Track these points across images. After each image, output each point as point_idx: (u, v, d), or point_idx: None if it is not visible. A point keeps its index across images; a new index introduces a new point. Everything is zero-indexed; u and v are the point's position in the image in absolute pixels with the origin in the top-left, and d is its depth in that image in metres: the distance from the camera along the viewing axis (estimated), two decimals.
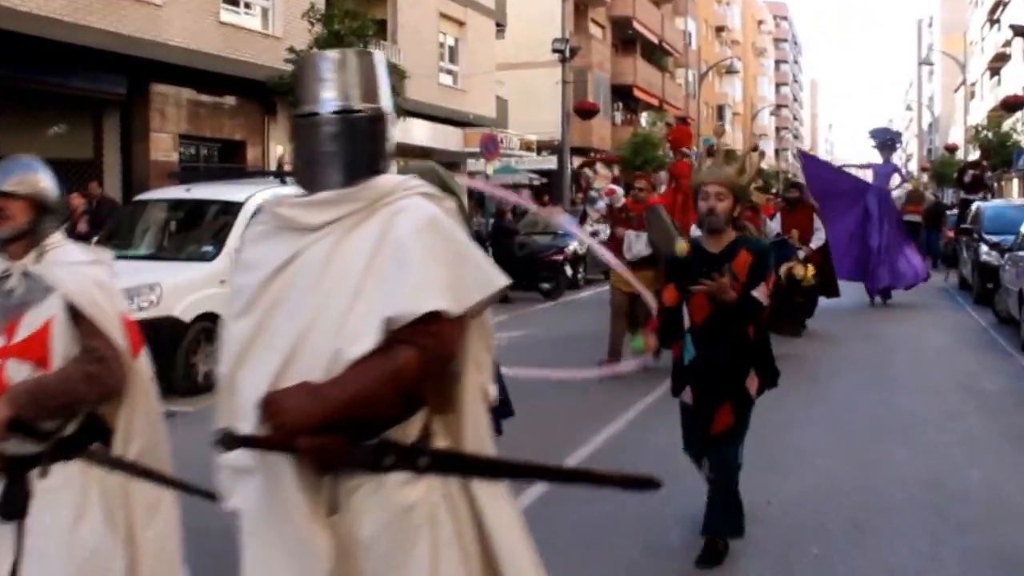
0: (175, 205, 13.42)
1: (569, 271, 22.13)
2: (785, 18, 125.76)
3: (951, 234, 25.42)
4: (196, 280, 11.51)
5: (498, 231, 22.27)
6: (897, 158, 19.96)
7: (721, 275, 5.30)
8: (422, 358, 2.56)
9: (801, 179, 18.79)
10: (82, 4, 18.31)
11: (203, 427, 8.17)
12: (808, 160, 20.27)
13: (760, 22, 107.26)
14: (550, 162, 38.81)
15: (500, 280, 2.78)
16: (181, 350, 11.01)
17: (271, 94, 21.09)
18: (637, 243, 11.54)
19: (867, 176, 20.19)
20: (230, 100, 23.84)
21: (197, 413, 10.12)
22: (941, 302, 20.47)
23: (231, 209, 12.48)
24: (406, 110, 28.25)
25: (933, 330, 16.28)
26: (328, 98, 2.76)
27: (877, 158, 20.55)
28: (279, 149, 25.38)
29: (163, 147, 21.72)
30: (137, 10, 19.73)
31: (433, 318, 2.56)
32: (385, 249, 2.64)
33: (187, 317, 11.10)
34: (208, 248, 12.20)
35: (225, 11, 22.80)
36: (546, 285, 21.17)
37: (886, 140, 20.96)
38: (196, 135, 23.17)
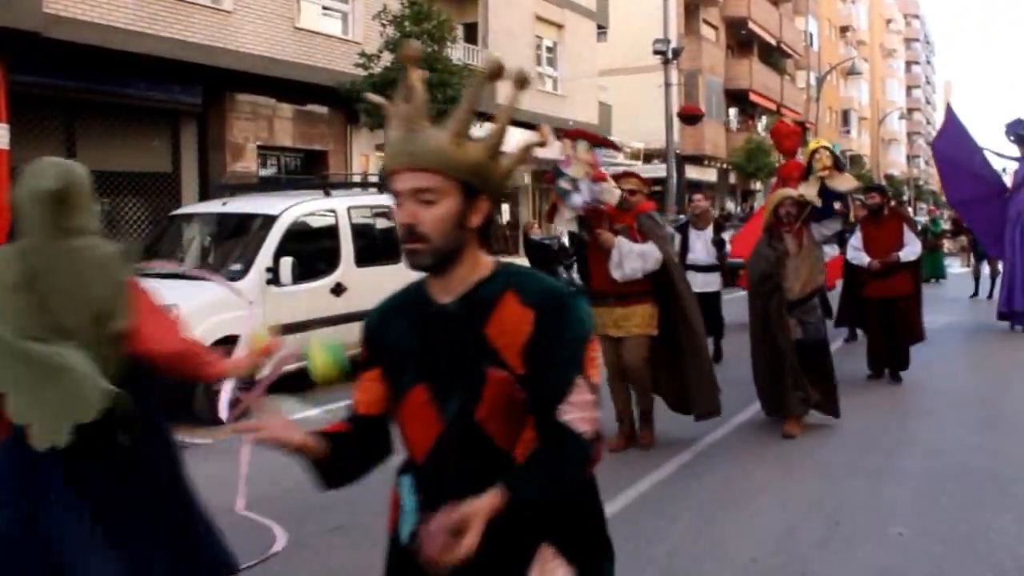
0: (210, 220, 12.50)
1: None
2: (917, 16, 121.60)
3: None
4: (218, 301, 10.50)
5: (578, 242, 20.96)
6: None
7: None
8: None
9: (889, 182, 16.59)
10: (146, 13, 17.72)
11: (222, 461, 7.26)
12: (942, 161, 17.23)
13: (889, 21, 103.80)
14: (660, 170, 37.39)
15: None
16: None
17: (353, 101, 20.18)
18: (631, 259, 8.18)
19: (1004, 173, 17.50)
20: (312, 108, 23.09)
21: (217, 445, 9.25)
22: None
23: (265, 223, 11.49)
24: (494, 116, 27.30)
25: None
26: None
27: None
28: (363, 158, 24.57)
29: (242, 158, 21.08)
30: (206, 17, 19.10)
31: None
32: None
33: (208, 340, 10.04)
34: (236, 266, 11.20)
35: (301, 16, 22.01)
36: None
37: (1020, 136, 17.35)
38: (276, 145, 22.49)
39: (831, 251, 11.24)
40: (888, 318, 11.62)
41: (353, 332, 10.55)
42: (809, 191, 9.32)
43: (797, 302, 9.01)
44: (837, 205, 9.48)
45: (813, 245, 9.26)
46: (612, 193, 8.22)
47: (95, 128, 18.49)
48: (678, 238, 12.83)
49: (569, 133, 8.46)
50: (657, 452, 8.55)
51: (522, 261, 20.52)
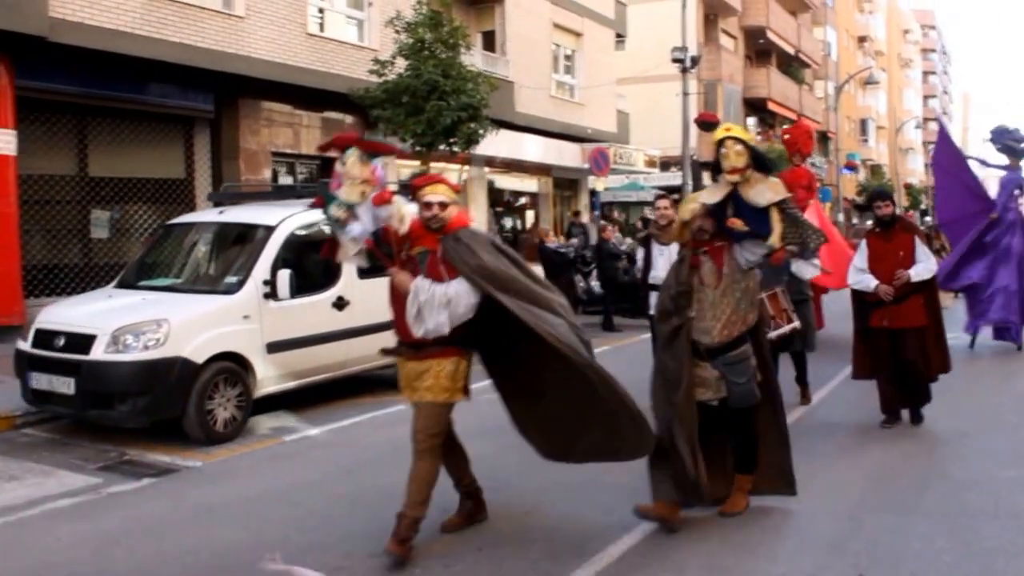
0: (206, 229, 12.03)
1: None
2: (933, 27, 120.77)
3: None
4: (211, 315, 10.15)
5: (601, 253, 20.60)
6: None
7: None
8: None
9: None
10: (156, 17, 17.41)
11: (211, 487, 6.17)
12: (940, 173, 16.57)
13: (906, 31, 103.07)
14: (677, 178, 36.92)
15: None
16: (193, 395, 9.66)
17: (366, 108, 19.86)
18: (433, 310, 6.19)
19: (987, 182, 16.81)
20: (328, 115, 22.76)
21: (205, 468, 8.91)
22: None
23: (263, 234, 11.04)
24: (512, 124, 26.96)
25: None
26: None
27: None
28: (381, 165, 24.18)
29: (255, 165, 20.77)
30: (217, 22, 18.78)
31: None
32: None
33: (199, 358, 9.75)
34: (231, 279, 10.78)
35: (314, 22, 21.71)
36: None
37: (1008, 144, 16.26)
38: (292, 152, 22.13)
39: (811, 269, 10.13)
40: (900, 354, 9.82)
41: (355, 348, 10.25)
42: (710, 197, 6.87)
43: (717, 350, 6.85)
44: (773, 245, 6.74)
45: (739, 273, 6.90)
46: (403, 218, 6.35)
47: (106, 134, 18.26)
48: (641, 253, 11.40)
49: (338, 140, 6.41)
50: None
51: (538, 269, 20.19)
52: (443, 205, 6.30)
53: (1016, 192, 15.83)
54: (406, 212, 6.36)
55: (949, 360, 10.32)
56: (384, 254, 6.38)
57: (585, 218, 31.27)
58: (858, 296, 10.20)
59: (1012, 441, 9.48)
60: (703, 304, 6.85)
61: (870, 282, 9.79)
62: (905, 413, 10.11)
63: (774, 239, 6.60)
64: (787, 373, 10.46)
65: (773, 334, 9.44)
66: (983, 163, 17.57)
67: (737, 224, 6.62)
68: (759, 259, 6.87)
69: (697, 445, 6.73)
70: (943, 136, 16.58)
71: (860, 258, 10.04)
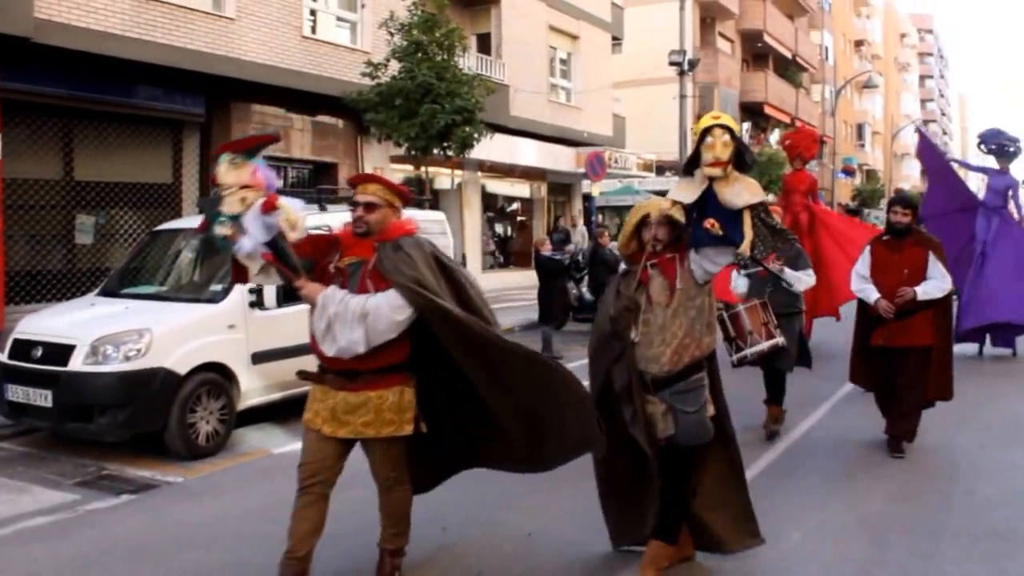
0: (191, 236, 11.47)
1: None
2: (930, 31, 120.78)
3: None
4: (195, 325, 9.76)
5: (594, 258, 20.25)
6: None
7: None
8: None
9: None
10: (144, 19, 17.10)
11: (194, 504, 5.40)
12: (930, 167, 16.31)
13: (903, 35, 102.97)
14: (673, 182, 36.69)
15: None
16: (175, 407, 9.29)
17: (359, 111, 19.56)
18: (346, 324, 5.38)
19: (976, 186, 16.37)
20: (321, 119, 22.45)
21: (187, 484, 8.55)
22: None
23: None
24: (507, 128, 26.65)
25: None
26: None
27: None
28: (376, 172, 23.90)
29: None
30: (207, 24, 18.47)
31: None
32: None
33: (182, 369, 9.37)
34: (216, 287, 10.39)
35: (308, 24, 21.38)
36: None
37: (1004, 146, 15.66)
38: (284, 157, 21.80)
39: (807, 279, 9.60)
40: (895, 375, 8.87)
41: None
42: (685, 195, 5.79)
43: (666, 380, 5.75)
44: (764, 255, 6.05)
45: (694, 288, 5.77)
46: (295, 223, 5.44)
47: (93, 138, 17.90)
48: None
49: (216, 152, 5.57)
50: None
51: (532, 277, 19.87)
52: (369, 207, 5.48)
53: (1010, 194, 15.48)
54: (297, 217, 5.44)
55: (951, 387, 9.28)
56: (288, 268, 5.46)
57: (580, 223, 31.02)
58: (862, 306, 9.24)
59: None
60: (650, 326, 5.74)
61: (871, 294, 8.85)
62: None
63: (745, 247, 5.66)
64: (793, 388, 10.10)
65: (749, 351, 8.93)
66: (965, 165, 17.30)
67: (715, 227, 5.64)
68: (718, 269, 5.82)
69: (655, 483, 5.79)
70: (925, 143, 16.18)
71: (863, 264, 9.06)
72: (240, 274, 5.60)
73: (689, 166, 5.86)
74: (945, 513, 7.28)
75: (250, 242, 5.28)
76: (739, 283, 9.47)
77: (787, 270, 9.46)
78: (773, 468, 8.65)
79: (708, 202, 5.70)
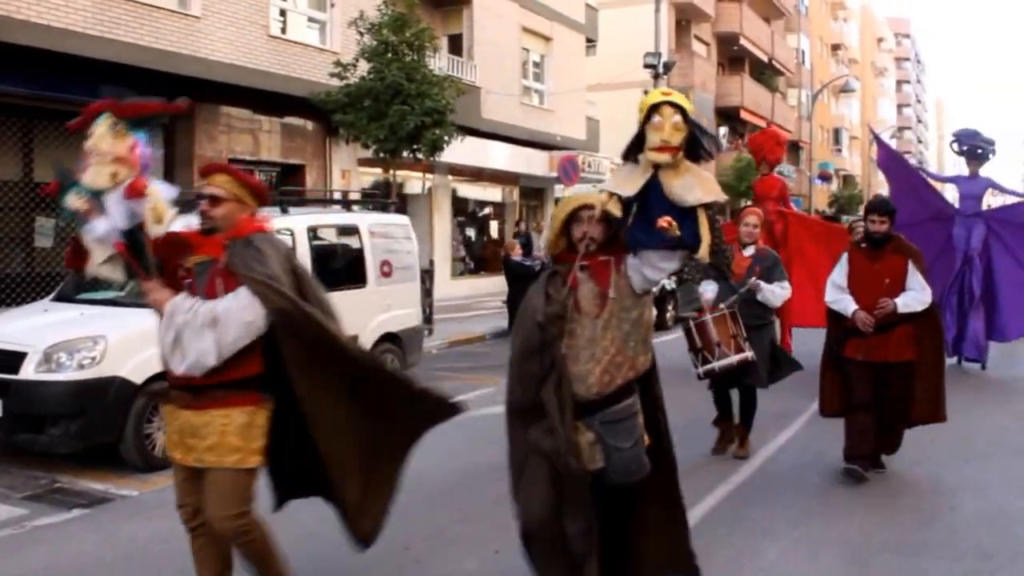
0: None
1: (654, 312, 19.72)
2: (907, 36, 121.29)
3: None
4: (152, 331, 9.42)
5: None
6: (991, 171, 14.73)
7: None
8: None
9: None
10: (107, 17, 16.76)
11: (150, 517, 4.72)
12: (882, 148, 15.43)
13: (880, 40, 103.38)
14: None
15: None
16: (131, 417, 8.94)
17: (328, 113, 19.25)
18: (195, 334, 4.71)
19: (950, 196, 15.30)
20: (289, 121, 22.11)
21: (142, 498, 8.22)
22: None
23: None
24: (479, 131, 26.38)
25: None
26: None
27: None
28: (344, 174, 23.59)
29: None
30: (172, 22, 18.15)
31: None
32: None
33: (138, 378, 9.00)
34: None
35: (276, 24, 21.05)
36: None
37: (978, 148, 14.86)
38: (251, 159, 21.46)
39: (783, 292, 9.10)
40: (878, 393, 8.13)
41: None
42: (624, 186, 4.90)
43: (596, 404, 4.88)
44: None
45: (630, 298, 4.90)
46: (161, 216, 4.81)
47: (54, 138, 17.46)
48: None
49: (89, 111, 4.77)
50: None
51: (502, 283, 19.60)
52: (214, 200, 4.80)
53: (991, 192, 15.09)
54: (165, 208, 4.74)
55: (943, 408, 8.38)
56: (140, 264, 4.77)
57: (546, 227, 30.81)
58: (834, 316, 8.47)
59: (1017, 470, 8.79)
60: (577, 339, 4.86)
61: (848, 305, 8.16)
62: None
63: (703, 250, 4.83)
64: (769, 401, 9.79)
65: (717, 364, 8.44)
66: (933, 177, 16.57)
67: (672, 227, 4.70)
68: (661, 277, 5.00)
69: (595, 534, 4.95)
70: (886, 151, 15.50)
71: (839, 273, 8.39)
72: (78, 259, 4.88)
73: (630, 151, 4.97)
74: (927, 530, 7.01)
75: (105, 225, 4.62)
76: (707, 288, 9.12)
77: (763, 285, 8.98)
78: (748, 483, 8.36)
79: (652, 196, 4.80)
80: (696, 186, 4.78)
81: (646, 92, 5.48)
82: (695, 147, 4.86)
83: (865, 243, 8.37)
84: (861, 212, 9.88)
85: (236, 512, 4.78)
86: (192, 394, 4.73)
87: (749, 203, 17.93)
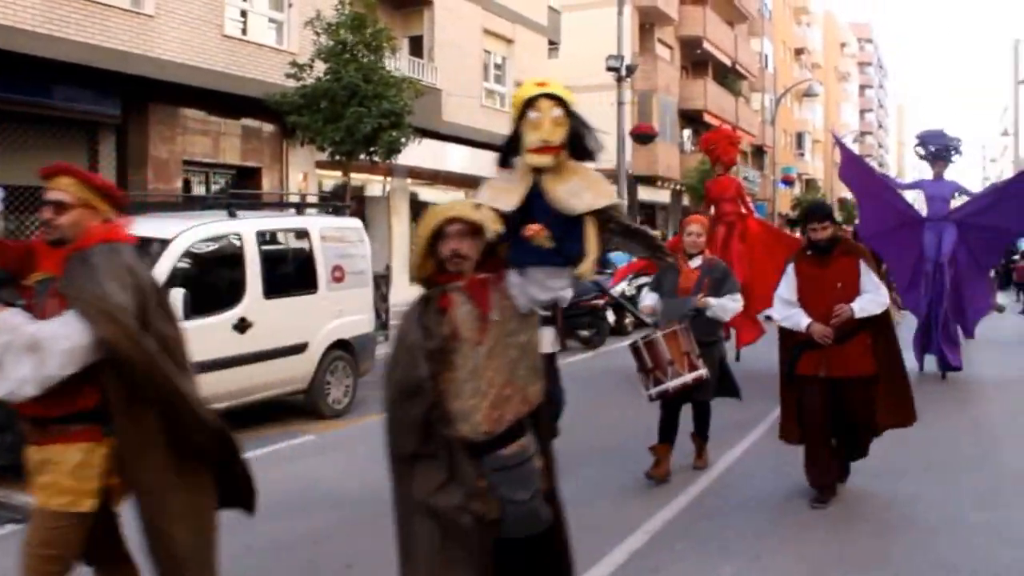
0: None
1: (612, 317, 19.51)
2: (870, 41, 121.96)
3: None
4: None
5: None
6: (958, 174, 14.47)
7: None
8: None
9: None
10: (58, 15, 16.32)
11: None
12: (844, 153, 14.83)
13: (843, 45, 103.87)
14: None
15: None
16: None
17: (283, 114, 18.89)
18: (16, 357, 4.11)
19: (917, 202, 15.17)
20: (245, 122, 21.71)
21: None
22: None
23: (154, 249, 9.99)
24: (439, 133, 26.11)
25: None
26: None
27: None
28: (300, 176, 23.21)
29: (166, 174, 19.64)
30: (125, 21, 17.74)
31: None
32: None
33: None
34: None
35: (231, 24, 20.66)
36: (585, 333, 18.53)
37: (941, 150, 14.66)
38: (209, 161, 21.08)
39: (734, 304, 8.61)
40: (839, 414, 7.60)
41: (259, 374, 9.23)
42: (503, 199, 4.53)
43: (484, 446, 4.19)
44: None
45: (515, 320, 4.27)
46: None
47: (1, 139, 17.06)
48: None
49: None
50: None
51: None
52: (60, 207, 4.30)
53: (956, 195, 14.83)
54: None
55: (912, 411, 7.86)
56: None
57: None
58: (786, 334, 7.91)
59: (975, 478, 8.60)
60: (458, 373, 4.18)
61: (801, 320, 7.54)
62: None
63: (585, 266, 4.38)
64: (727, 410, 9.52)
65: (671, 385, 7.95)
66: (897, 185, 16.04)
67: (539, 236, 4.20)
68: (550, 296, 4.35)
69: None
70: (848, 156, 14.85)
71: (786, 286, 7.74)
72: None
73: (506, 153, 4.46)
74: (887, 543, 6.78)
75: None
76: (647, 298, 8.83)
77: (712, 301, 8.44)
78: (706, 495, 8.15)
79: (536, 206, 4.30)
80: (584, 190, 4.33)
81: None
82: (580, 143, 4.33)
83: (811, 250, 7.73)
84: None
85: (53, 554, 4.19)
86: (37, 427, 4.23)
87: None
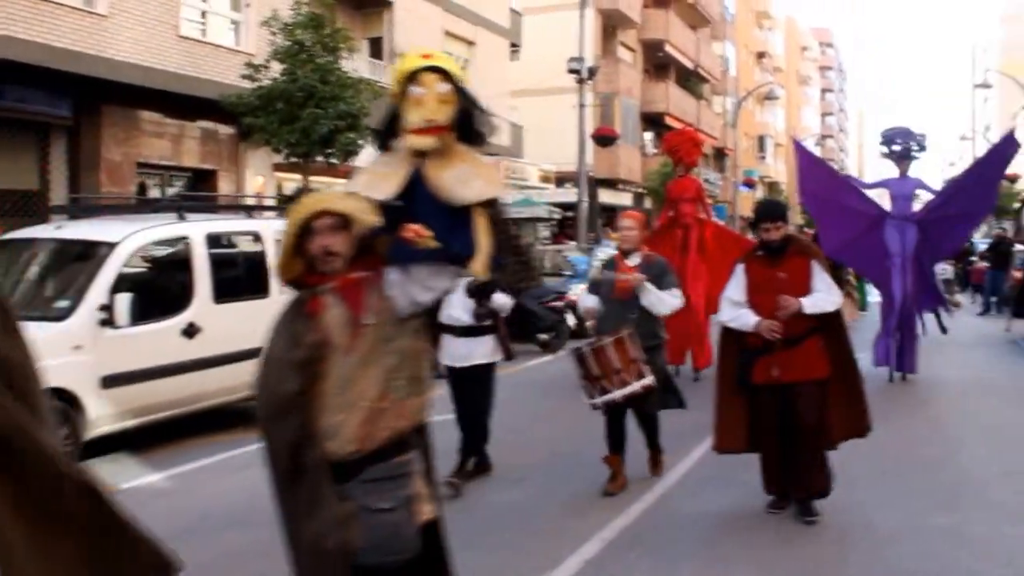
0: (43, 246, 10.62)
1: (572, 320, 19.34)
2: (831, 45, 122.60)
3: (1019, 275, 21.70)
4: (35, 346, 8.82)
5: None
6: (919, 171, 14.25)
7: None
8: None
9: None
10: (5, 12, 16.03)
11: None
12: (812, 205, 14.22)
13: (804, 48, 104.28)
14: (572, 194, 36.08)
15: None
16: None
17: (238, 116, 18.57)
18: None
19: (881, 200, 14.38)
20: (201, 124, 21.41)
21: None
22: (1014, 360, 16.80)
23: (100, 252, 9.76)
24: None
25: (1018, 406, 12.30)
26: None
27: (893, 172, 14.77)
28: (259, 179, 22.93)
29: (119, 177, 19.33)
30: (76, 20, 17.45)
31: None
32: None
33: None
34: (62, 303, 9.46)
35: (187, 24, 20.36)
36: (544, 336, 18.32)
37: (905, 147, 14.48)
38: (165, 164, 20.79)
39: (673, 300, 8.24)
40: (792, 418, 7.22)
41: (207, 380, 8.96)
42: (380, 187, 4.03)
43: (352, 467, 3.78)
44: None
45: (394, 324, 3.85)
46: None
47: None
48: None
49: None
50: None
51: None
52: None
53: (917, 193, 14.67)
54: None
55: (866, 419, 7.60)
56: None
57: None
58: (732, 338, 7.59)
59: (934, 482, 8.50)
60: (327, 384, 3.77)
61: (748, 319, 7.27)
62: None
63: (479, 264, 3.89)
64: (681, 414, 9.37)
65: (619, 394, 7.71)
66: (861, 184, 15.72)
67: (421, 238, 3.69)
68: (432, 297, 3.90)
69: None
70: (805, 157, 13.90)
71: (735, 287, 7.44)
72: None
73: (384, 134, 3.97)
74: (845, 551, 6.67)
75: None
76: (586, 299, 8.62)
77: (650, 287, 8.14)
78: (661, 502, 8.01)
79: (418, 194, 3.81)
80: (474, 177, 3.84)
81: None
82: (469, 125, 3.87)
83: (762, 251, 7.47)
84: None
85: None
86: None
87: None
